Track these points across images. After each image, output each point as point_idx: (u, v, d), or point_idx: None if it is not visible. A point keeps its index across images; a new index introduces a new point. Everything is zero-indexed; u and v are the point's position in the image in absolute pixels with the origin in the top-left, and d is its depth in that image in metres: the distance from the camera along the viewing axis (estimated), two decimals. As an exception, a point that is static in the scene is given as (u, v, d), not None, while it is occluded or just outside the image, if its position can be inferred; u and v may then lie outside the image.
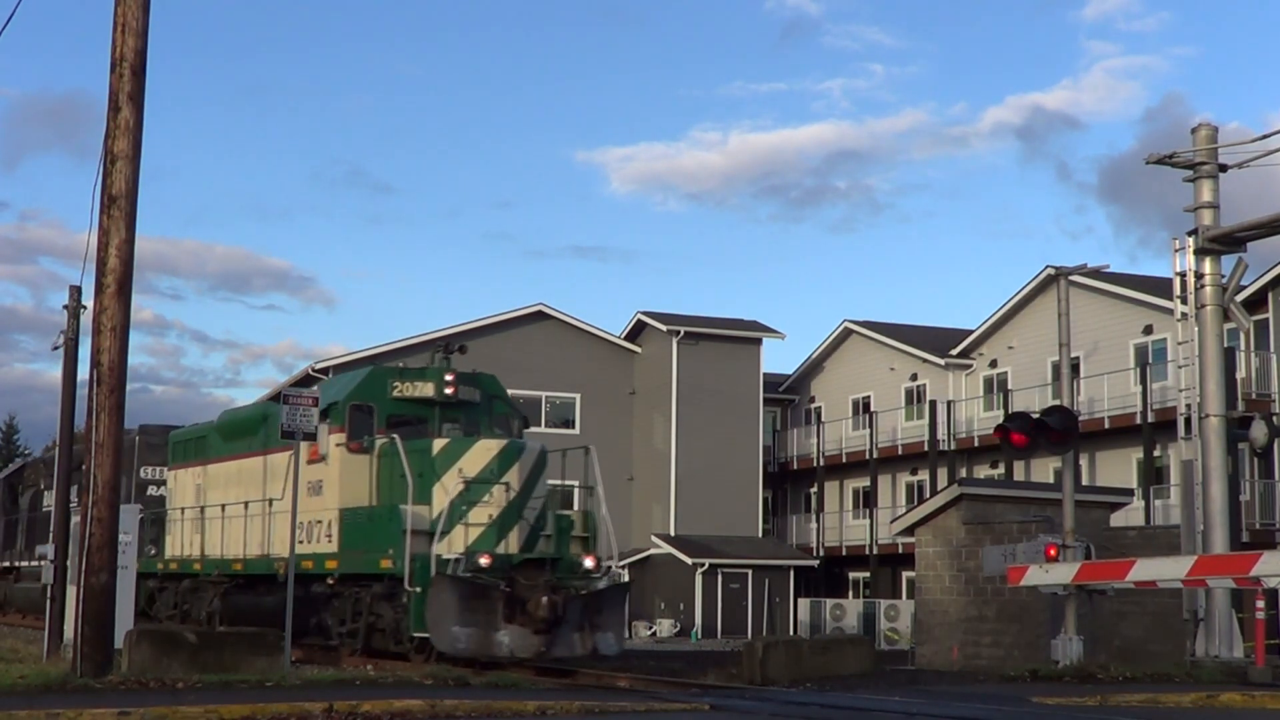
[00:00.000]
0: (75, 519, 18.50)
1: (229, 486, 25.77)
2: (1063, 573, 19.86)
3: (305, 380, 43.46)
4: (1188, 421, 21.86)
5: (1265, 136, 21.75)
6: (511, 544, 20.49)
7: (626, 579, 25.26)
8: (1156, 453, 37.24)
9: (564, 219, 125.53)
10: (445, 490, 20.31)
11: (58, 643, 20.90)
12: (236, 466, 25.62)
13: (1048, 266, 38.50)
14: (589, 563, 20.73)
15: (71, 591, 18.50)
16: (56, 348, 25.42)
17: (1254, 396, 35.07)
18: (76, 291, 25.09)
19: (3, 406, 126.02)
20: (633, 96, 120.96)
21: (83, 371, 21.61)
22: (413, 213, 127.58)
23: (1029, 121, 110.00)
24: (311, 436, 19.69)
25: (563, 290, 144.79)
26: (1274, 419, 29.86)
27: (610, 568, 21.24)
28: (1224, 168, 21.61)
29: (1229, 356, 28.12)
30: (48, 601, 22.85)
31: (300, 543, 21.00)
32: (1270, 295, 35.89)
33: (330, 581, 21.94)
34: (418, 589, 19.42)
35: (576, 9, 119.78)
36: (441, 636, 19.06)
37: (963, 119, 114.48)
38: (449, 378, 22.23)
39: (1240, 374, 34.75)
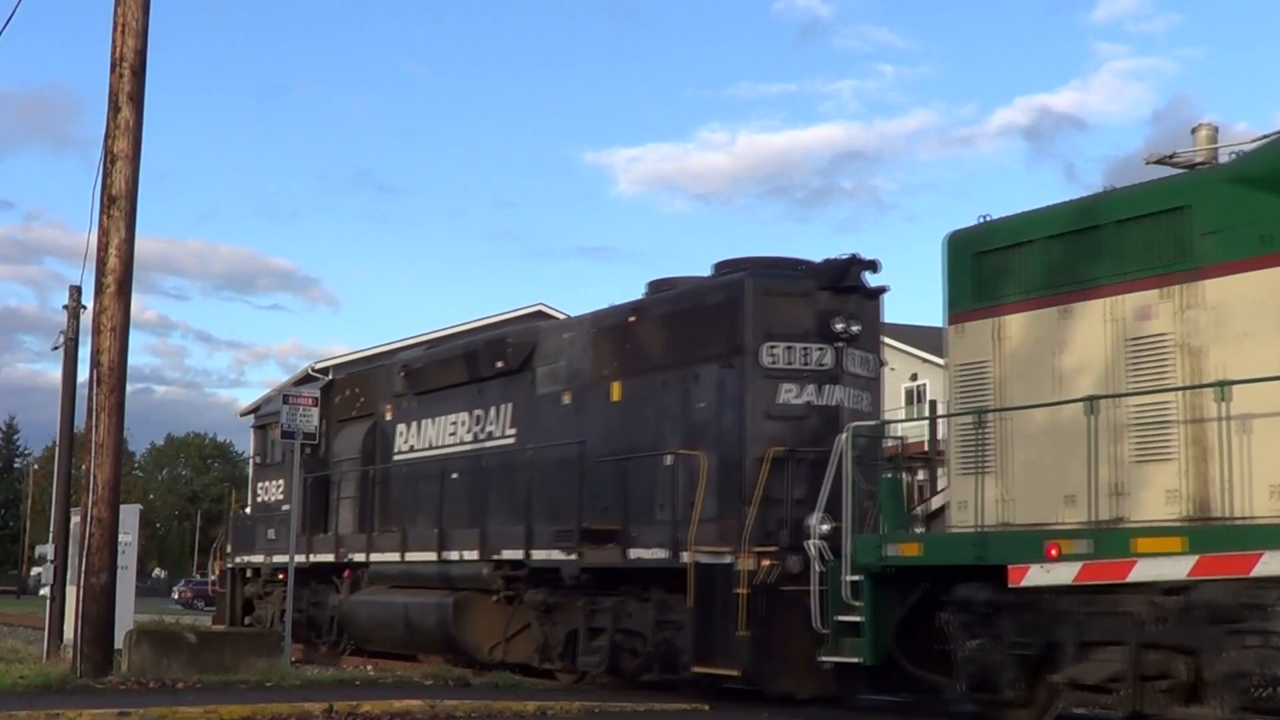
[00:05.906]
0: (75, 520, 18.48)
1: None
2: (1064, 572, 19.81)
3: (306, 380, 43.40)
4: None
5: (1264, 138, 21.63)
6: None
7: None
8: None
9: (570, 219, 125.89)
10: None
11: (58, 643, 20.90)
12: None
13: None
14: None
15: (71, 591, 18.51)
16: (56, 348, 25.41)
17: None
18: (76, 291, 25.06)
19: (4, 406, 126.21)
20: (641, 97, 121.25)
21: (83, 372, 21.63)
22: (418, 213, 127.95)
23: (1036, 122, 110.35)
24: (312, 438, 19.27)
25: (567, 291, 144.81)
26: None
27: None
28: (1224, 168, 21.57)
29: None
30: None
31: None
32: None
33: None
34: None
35: (585, 10, 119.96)
36: None
37: (971, 120, 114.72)
38: None
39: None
